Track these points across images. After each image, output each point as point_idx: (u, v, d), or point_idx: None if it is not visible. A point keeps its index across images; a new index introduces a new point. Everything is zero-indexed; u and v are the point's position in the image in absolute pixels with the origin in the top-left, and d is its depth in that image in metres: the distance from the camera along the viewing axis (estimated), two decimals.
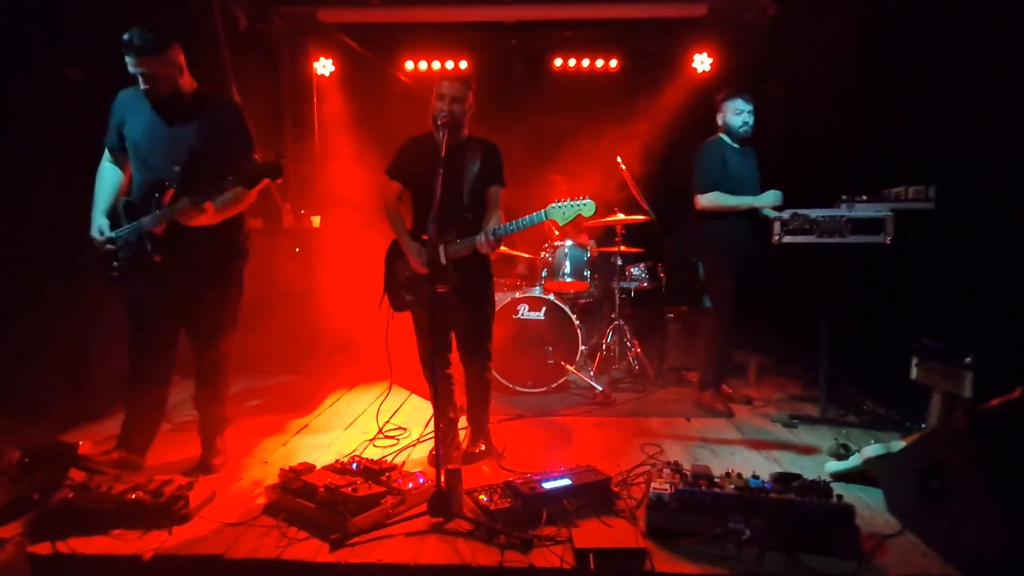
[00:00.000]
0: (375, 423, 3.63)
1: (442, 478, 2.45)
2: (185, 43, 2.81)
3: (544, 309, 4.59)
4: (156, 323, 2.95)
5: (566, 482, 2.55)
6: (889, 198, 3.55)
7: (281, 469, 2.71)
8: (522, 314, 4.58)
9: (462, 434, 3.36)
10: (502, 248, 3.55)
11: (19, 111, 3.47)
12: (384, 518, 2.45)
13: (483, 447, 3.25)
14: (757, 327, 4.76)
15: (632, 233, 4.94)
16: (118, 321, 3.00)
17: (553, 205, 2.89)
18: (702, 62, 6.03)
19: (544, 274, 4.84)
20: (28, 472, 2.53)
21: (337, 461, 2.81)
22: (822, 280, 3.73)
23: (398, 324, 3.24)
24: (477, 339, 3.22)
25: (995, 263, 3.23)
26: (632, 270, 5.04)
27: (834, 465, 2.95)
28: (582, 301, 5.07)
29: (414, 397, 4.29)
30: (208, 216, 2.77)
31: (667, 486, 2.38)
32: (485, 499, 2.49)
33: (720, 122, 4.00)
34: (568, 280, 4.81)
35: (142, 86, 2.73)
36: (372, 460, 2.81)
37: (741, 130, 3.93)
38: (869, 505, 2.64)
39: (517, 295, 4.59)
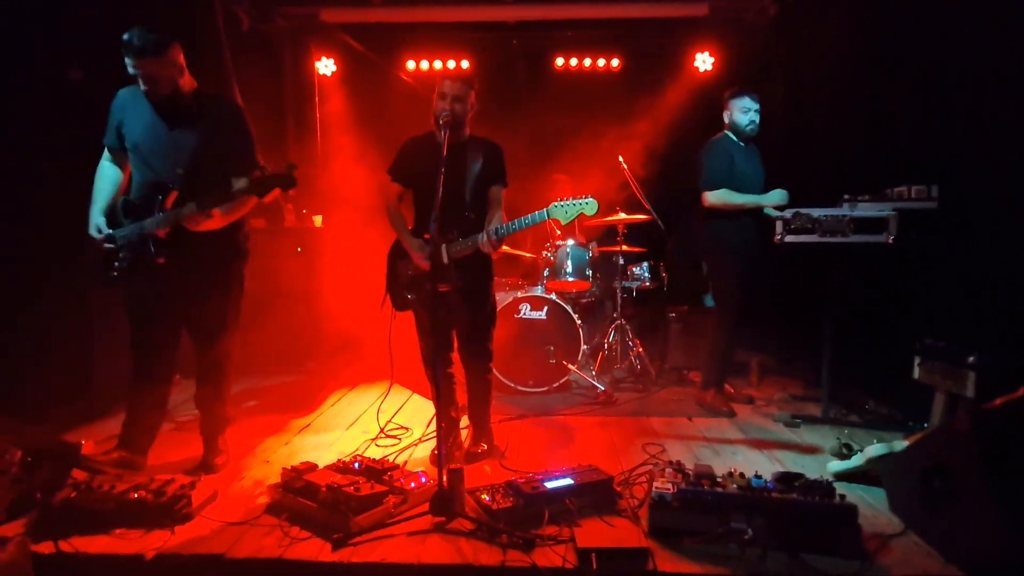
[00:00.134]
0: (377, 422, 3.63)
1: (444, 477, 2.44)
2: (187, 43, 2.81)
3: (546, 308, 4.59)
4: (157, 323, 2.95)
5: (568, 481, 2.55)
6: (892, 197, 3.54)
7: (283, 468, 2.71)
8: (524, 313, 4.58)
9: (464, 433, 3.36)
10: (504, 248, 3.55)
11: (19, 111, 3.48)
12: (386, 517, 2.45)
13: (485, 446, 3.25)
14: (759, 327, 4.75)
15: (634, 232, 4.94)
16: (120, 321, 3.00)
17: (555, 204, 2.89)
18: (704, 61, 6.04)
19: (546, 273, 4.84)
20: (31, 471, 2.53)
21: (339, 460, 2.81)
22: (824, 279, 3.72)
23: (400, 324, 3.24)
24: (479, 339, 3.22)
25: (997, 262, 3.23)
26: (634, 269, 5.04)
27: (837, 465, 2.94)
28: (584, 300, 5.07)
29: (416, 396, 4.29)
30: (215, 221, 2.78)
31: (669, 486, 2.38)
32: (487, 498, 2.49)
33: (727, 120, 3.99)
34: (570, 279, 4.81)
35: (142, 87, 2.73)
36: (374, 459, 2.81)
37: (748, 128, 3.92)
38: (872, 505, 2.64)
39: (519, 294, 4.59)
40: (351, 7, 5.72)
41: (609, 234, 5.21)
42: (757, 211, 3.86)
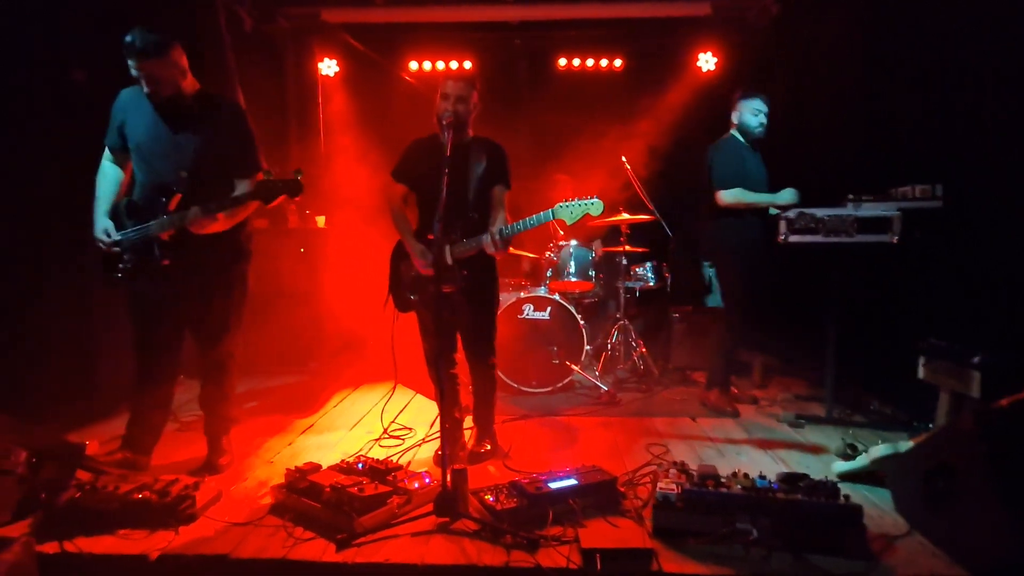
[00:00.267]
0: (380, 423, 3.63)
1: (448, 478, 2.44)
2: (189, 44, 2.81)
3: (549, 309, 4.58)
4: (160, 324, 2.95)
5: (572, 482, 2.55)
6: (896, 197, 3.53)
7: (287, 469, 2.71)
8: (527, 314, 4.58)
9: (467, 434, 3.36)
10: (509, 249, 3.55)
11: (20, 111, 3.48)
12: (390, 518, 2.45)
13: (488, 447, 3.24)
14: (763, 327, 4.74)
15: (637, 233, 4.93)
16: (123, 321, 3.00)
17: (561, 204, 2.88)
18: (706, 61, 6.03)
19: (549, 274, 4.84)
20: (35, 472, 2.54)
21: (343, 461, 2.81)
22: (828, 279, 3.71)
23: (403, 324, 3.24)
24: (482, 339, 3.22)
25: (1000, 262, 3.22)
26: (637, 270, 5.04)
27: (841, 465, 2.94)
28: (587, 301, 5.07)
29: (419, 397, 4.29)
30: (218, 224, 2.78)
31: (673, 486, 2.38)
32: (491, 499, 2.48)
33: (735, 120, 3.97)
34: (573, 280, 4.81)
35: (145, 88, 2.73)
36: (378, 460, 2.80)
37: (757, 131, 3.92)
38: (877, 505, 2.63)
39: (522, 295, 4.59)
40: (353, 7, 5.72)
41: (612, 234, 5.21)
42: (763, 211, 3.86)
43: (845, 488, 2.38)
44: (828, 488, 2.33)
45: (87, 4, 3.68)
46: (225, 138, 2.86)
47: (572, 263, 4.82)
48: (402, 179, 3.19)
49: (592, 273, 4.86)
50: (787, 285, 4.58)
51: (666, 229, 4.85)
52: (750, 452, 3.32)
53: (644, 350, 4.87)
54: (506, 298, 4.46)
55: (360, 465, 2.73)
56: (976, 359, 2.91)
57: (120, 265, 2.84)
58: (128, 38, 2.62)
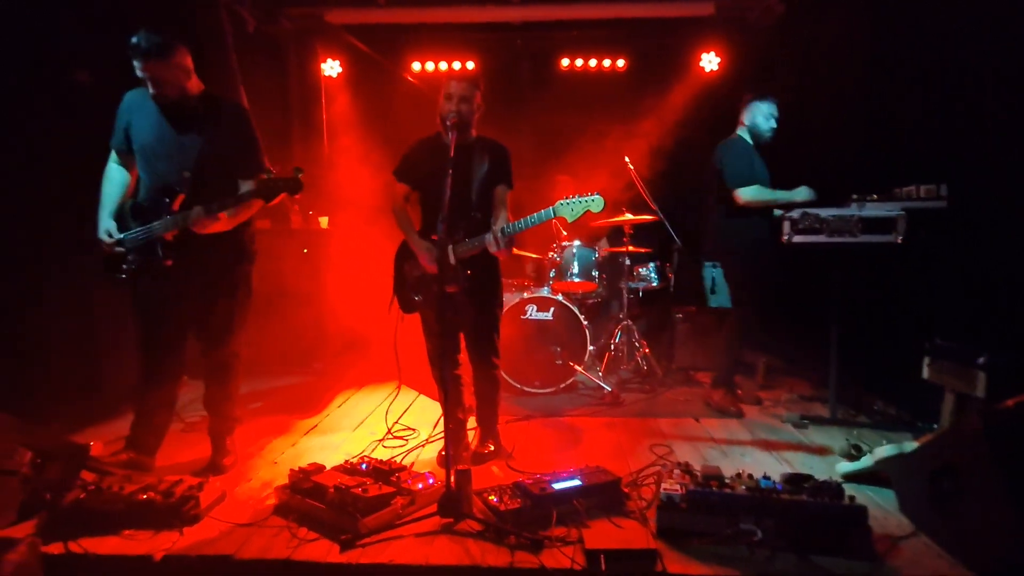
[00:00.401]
0: (384, 424, 3.63)
1: (452, 479, 2.44)
2: (192, 46, 2.82)
3: (552, 309, 4.58)
4: (164, 324, 2.96)
5: (576, 483, 2.55)
6: (900, 197, 3.52)
7: (291, 470, 2.71)
8: (530, 314, 4.57)
9: (471, 435, 3.36)
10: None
11: (23, 112, 3.49)
12: (394, 519, 2.45)
13: (492, 447, 3.24)
14: (766, 327, 4.73)
15: (640, 233, 4.93)
16: (127, 321, 3.01)
17: (561, 202, 2.87)
18: (710, 61, 6.02)
19: (552, 274, 4.84)
20: (40, 473, 2.55)
21: (347, 462, 2.81)
22: (832, 280, 3.71)
23: (406, 325, 3.25)
24: (486, 340, 3.21)
25: (1004, 262, 3.21)
26: (640, 270, 5.03)
27: (846, 466, 2.93)
28: (590, 301, 5.07)
29: (423, 398, 4.29)
30: (221, 224, 2.79)
31: (677, 487, 2.37)
32: (495, 500, 2.48)
33: (746, 121, 3.97)
34: (576, 280, 4.80)
35: (150, 90, 2.74)
36: (381, 461, 2.80)
37: (768, 135, 3.93)
38: (881, 506, 2.62)
39: (525, 295, 4.59)
40: (355, 8, 5.72)
41: (615, 235, 5.20)
42: (768, 211, 3.85)
43: (849, 489, 2.38)
44: (832, 489, 2.33)
45: (87, 4, 3.69)
46: (229, 139, 2.87)
47: (575, 263, 4.82)
48: (404, 179, 3.19)
49: (595, 273, 4.86)
50: (791, 285, 4.57)
51: (675, 237, 4.82)
52: (754, 453, 3.31)
53: (647, 350, 4.86)
54: (509, 299, 4.45)
55: (364, 466, 2.74)
56: (981, 360, 2.89)
57: (124, 266, 2.85)
58: (134, 39, 2.63)
